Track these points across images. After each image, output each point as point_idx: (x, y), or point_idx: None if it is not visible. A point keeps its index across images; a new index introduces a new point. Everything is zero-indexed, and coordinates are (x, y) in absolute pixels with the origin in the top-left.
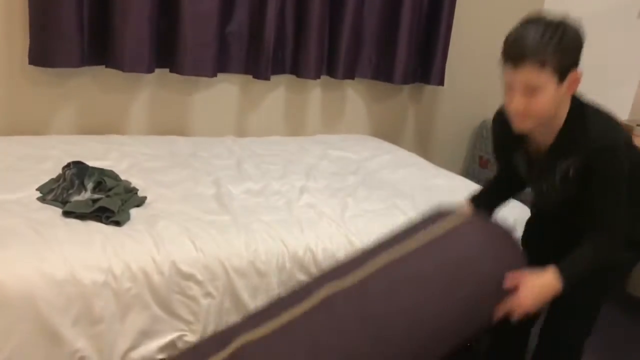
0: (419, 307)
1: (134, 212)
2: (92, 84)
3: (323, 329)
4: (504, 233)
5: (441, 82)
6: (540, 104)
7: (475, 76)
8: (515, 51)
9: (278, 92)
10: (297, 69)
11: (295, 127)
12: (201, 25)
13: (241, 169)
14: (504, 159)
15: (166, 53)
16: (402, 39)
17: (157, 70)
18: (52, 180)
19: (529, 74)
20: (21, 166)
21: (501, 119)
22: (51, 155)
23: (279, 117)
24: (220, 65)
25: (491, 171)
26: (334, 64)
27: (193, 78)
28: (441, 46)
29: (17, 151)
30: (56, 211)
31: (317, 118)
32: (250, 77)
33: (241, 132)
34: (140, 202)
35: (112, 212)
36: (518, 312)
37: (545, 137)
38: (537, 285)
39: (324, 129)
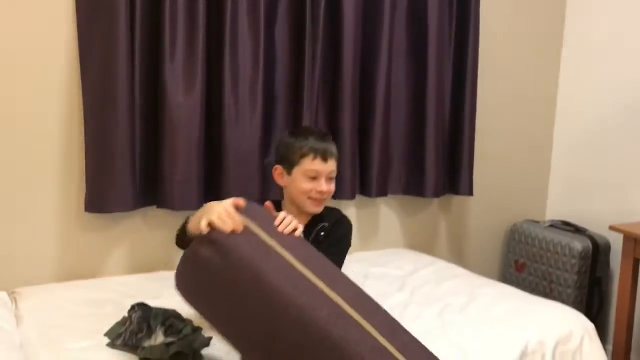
0: None
1: (203, 354)
2: (142, 224)
3: None
4: None
5: (470, 193)
6: (334, 189)
7: (501, 182)
8: (324, 150)
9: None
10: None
11: None
12: (243, 161)
13: None
14: None
15: (213, 189)
16: (429, 155)
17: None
18: (118, 325)
19: (333, 166)
20: (84, 312)
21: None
22: (111, 299)
23: None
24: (262, 194)
25: (528, 275)
26: (367, 184)
27: None
28: (467, 158)
29: (76, 297)
30: (131, 357)
31: (353, 235)
32: None
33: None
34: (207, 342)
35: (187, 356)
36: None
37: (304, 221)
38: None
39: (361, 246)
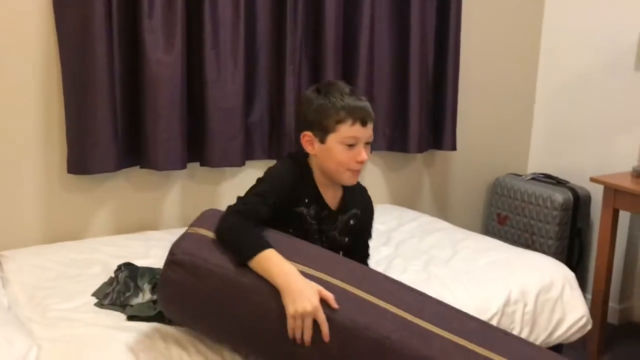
0: None
1: None
2: (126, 185)
3: None
4: None
5: (453, 147)
6: (369, 156)
7: (484, 136)
8: (364, 113)
9: None
10: None
11: None
12: (227, 120)
13: None
14: (284, 208)
15: (196, 148)
16: (412, 111)
17: (188, 164)
18: (105, 284)
19: (371, 131)
20: (70, 273)
21: (300, 176)
22: (97, 259)
23: None
24: (246, 153)
25: (510, 227)
26: None
27: (221, 168)
28: (450, 113)
29: (62, 258)
30: (118, 316)
31: None
32: (274, 161)
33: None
34: None
35: None
36: (302, 319)
37: (335, 194)
38: (288, 289)
39: None
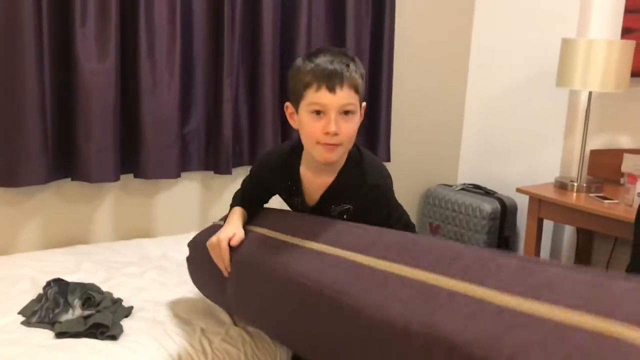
0: None
1: (124, 323)
2: (56, 197)
3: None
4: None
5: (388, 159)
6: (352, 129)
7: (416, 148)
8: (331, 76)
9: (238, 183)
10: (254, 160)
11: None
12: (161, 130)
13: None
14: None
15: (129, 159)
16: None
17: (121, 176)
18: (33, 302)
19: (348, 97)
20: None
21: (275, 167)
22: (24, 275)
23: None
24: (182, 165)
25: (442, 236)
26: None
27: (156, 179)
28: (384, 125)
29: None
30: (47, 333)
31: (278, 204)
32: (211, 172)
33: (206, 227)
34: (127, 312)
35: (106, 326)
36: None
37: (324, 179)
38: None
39: None
